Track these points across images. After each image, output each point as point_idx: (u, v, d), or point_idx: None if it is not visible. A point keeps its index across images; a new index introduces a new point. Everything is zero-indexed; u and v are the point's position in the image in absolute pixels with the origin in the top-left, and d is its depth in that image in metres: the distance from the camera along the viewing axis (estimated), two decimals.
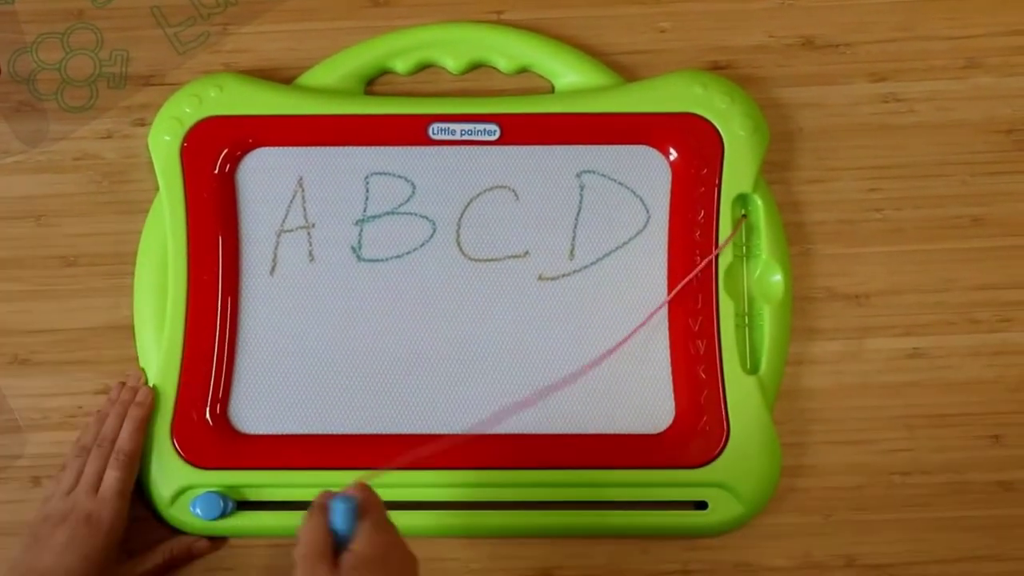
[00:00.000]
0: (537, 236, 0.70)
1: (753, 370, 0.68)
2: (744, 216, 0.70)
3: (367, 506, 0.56)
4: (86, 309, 0.71)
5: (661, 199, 0.70)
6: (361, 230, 0.71)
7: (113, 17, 0.75)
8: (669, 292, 0.69)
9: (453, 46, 0.73)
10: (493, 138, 0.71)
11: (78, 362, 0.71)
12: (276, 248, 0.70)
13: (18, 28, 0.74)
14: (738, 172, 0.69)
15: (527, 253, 0.70)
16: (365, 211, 0.71)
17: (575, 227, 0.70)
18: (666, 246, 0.70)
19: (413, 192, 0.71)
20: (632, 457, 0.67)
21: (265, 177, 0.71)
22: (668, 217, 0.70)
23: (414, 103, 0.72)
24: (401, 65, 0.73)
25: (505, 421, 0.64)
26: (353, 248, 0.70)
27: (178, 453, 0.67)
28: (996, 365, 0.71)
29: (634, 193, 0.71)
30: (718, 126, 0.70)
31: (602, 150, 0.71)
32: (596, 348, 0.68)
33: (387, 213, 0.71)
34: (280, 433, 0.68)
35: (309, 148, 0.71)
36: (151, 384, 0.68)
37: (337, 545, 0.54)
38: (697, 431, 0.67)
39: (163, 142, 0.70)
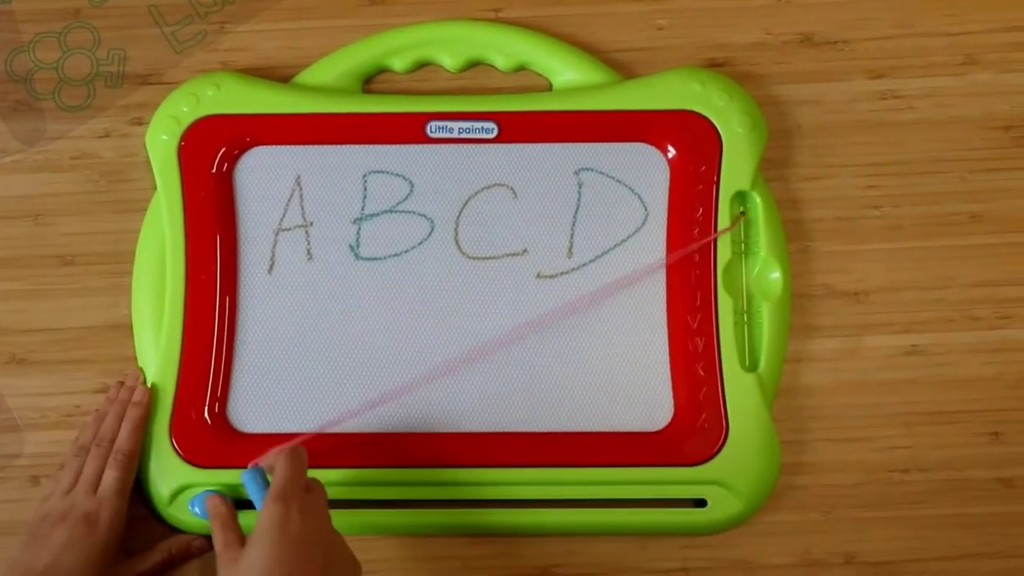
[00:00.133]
0: (535, 234, 0.70)
1: (752, 367, 0.68)
2: (742, 213, 0.70)
3: (278, 476, 0.59)
4: (84, 308, 0.71)
5: (659, 197, 0.70)
6: (359, 228, 0.70)
7: (110, 16, 0.75)
8: (668, 290, 0.69)
9: (451, 44, 0.72)
10: (491, 136, 0.71)
11: (76, 361, 0.71)
12: (274, 247, 0.70)
13: (15, 27, 0.74)
14: (736, 169, 0.69)
15: (525, 251, 0.70)
16: (363, 209, 0.71)
17: (573, 225, 0.70)
18: (664, 243, 0.70)
19: (411, 190, 0.71)
20: (631, 455, 0.67)
21: (263, 176, 0.71)
22: (666, 215, 0.70)
23: (412, 101, 0.72)
24: (399, 63, 0.73)
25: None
26: (351, 246, 0.70)
27: (176, 452, 0.67)
28: (995, 362, 0.71)
29: (632, 191, 0.71)
30: (716, 123, 0.70)
31: (600, 148, 0.70)
32: (594, 345, 0.69)
33: (385, 211, 0.71)
34: (278, 432, 0.67)
35: (307, 147, 0.71)
36: (150, 383, 0.68)
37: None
38: (696, 429, 0.67)
39: (160, 141, 0.70)
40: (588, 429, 0.68)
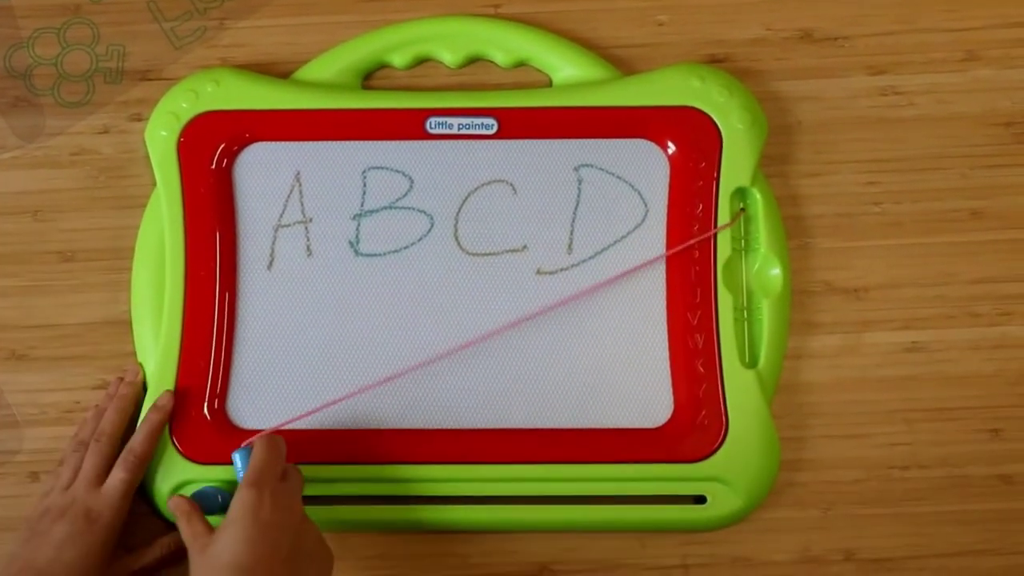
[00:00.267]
0: (535, 230, 0.70)
1: (752, 364, 0.68)
2: (742, 209, 0.70)
3: (252, 463, 0.60)
4: (83, 304, 0.71)
5: (659, 193, 0.70)
6: (359, 224, 0.70)
7: (109, 12, 0.74)
8: (668, 286, 0.69)
9: (450, 40, 0.72)
10: (491, 132, 0.70)
11: (75, 357, 0.71)
12: (273, 243, 0.70)
13: (14, 23, 0.74)
14: (736, 166, 0.69)
15: (525, 247, 0.70)
16: (363, 205, 0.71)
17: (573, 221, 0.70)
18: (664, 240, 0.70)
19: (411, 186, 0.71)
20: (630, 451, 0.67)
21: (262, 172, 0.71)
22: (666, 211, 0.70)
23: (411, 97, 0.71)
24: (398, 59, 0.73)
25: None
26: (351, 243, 0.70)
27: (176, 448, 0.67)
28: (996, 359, 0.70)
29: (632, 187, 0.70)
30: (716, 119, 0.69)
31: (600, 144, 0.70)
32: (594, 342, 0.68)
33: (385, 207, 0.71)
34: (278, 428, 0.67)
35: (306, 143, 0.71)
36: (149, 379, 0.68)
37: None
38: (696, 425, 0.67)
39: (160, 137, 0.70)
40: (588, 425, 0.68)
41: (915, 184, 0.72)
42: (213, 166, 0.70)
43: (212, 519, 0.66)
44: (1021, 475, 0.69)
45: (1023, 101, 0.73)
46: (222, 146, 0.70)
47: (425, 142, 0.71)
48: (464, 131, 0.70)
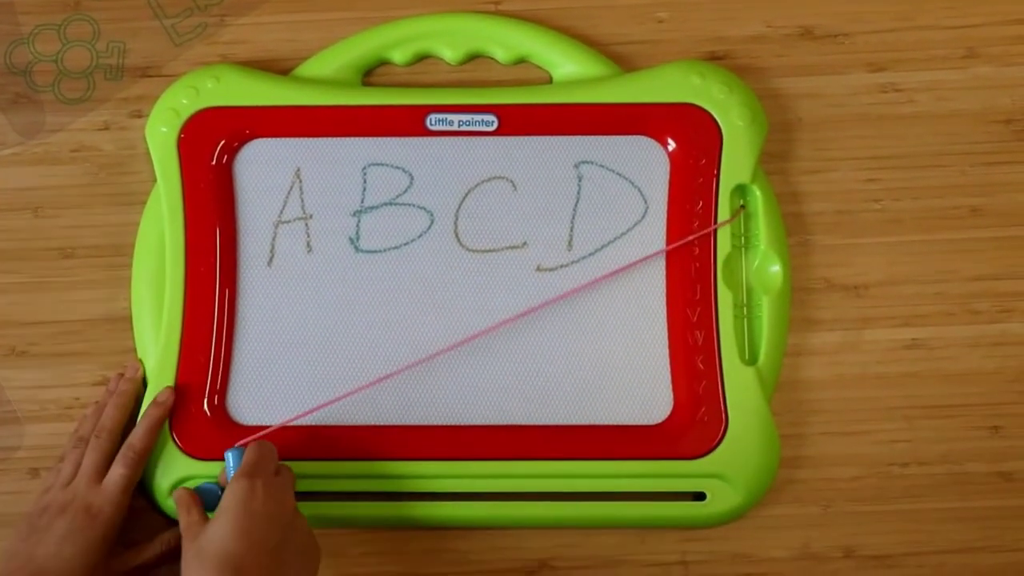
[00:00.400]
0: (535, 227, 0.70)
1: (752, 361, 0.68)
2: (742, 206, 0.70)
3: (246, 457, 0.61)
4: (83, 301, 0.71)
5: (659, 190, 0.70)
6: (359, 221, 0.70)
7: (110, 8, 0.74)
8: (668, 283, 0.69)
9: (450, 37, 0.72)
10: (491, 129, 0.70)
11: (76, 354, 0.71)
12: (274, 239, 0.70)
13: (15, 19, 0.74)
14: (736, 162, 0.69)
15: (525, 244, 0.70)
16: (363, 202, 0.71)
17: (573, 218, 0.70)
18: (664, 237, 0.70)
19: (411, 183, 0.71)
20: (630, 448, 0.67)
21: (262, 168, 0.71)
22: (666, 208, 0.70)
23: (411, 94, 0.71)
24: (398, 56, 0.73)
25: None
26: (351, 239, 0.70)
27: (176, 444, 0.67)
28: (995, 356, 0.70)
29: (632, 184, 0.70)
30: (716, 116, 0.69)
31: (600, 140, 0.70)
32: (594, 338, 0.69)
33: (385, 204, 0.71)
34: (278, 424, 0.67)
35: (306, 139, 0.71)
36: (149, 376, 0.68)
37: None
38: (695, 422, 0.67)
39: (160, 134, 0.70)
40: (587, 422, 0.68)
41: (915, 181, 0.72)
42: (213, 162, 0.70)
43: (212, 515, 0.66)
44: (1020, 472, 0.69)
45: (1023, 98, 0.72)
46: (222, 142, 0.70)
47: (425, 139, 0.71)
48: (464, 128, 0.70)
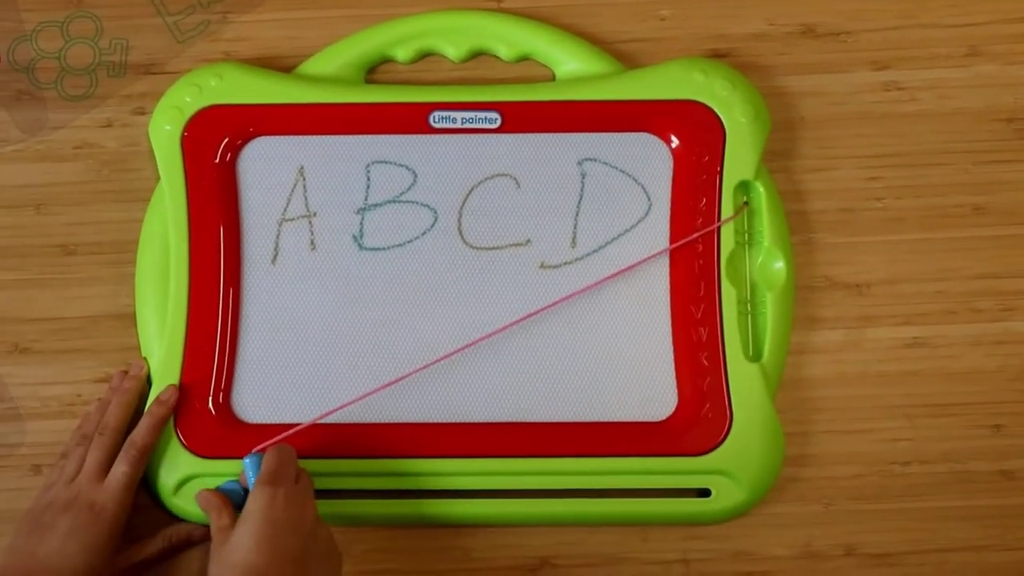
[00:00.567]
0: (539, 224, 0.70)
1: (755, 358, 0.68)
2: (746, 203, 0.70)
3: (267, 464, 0.61)
4: (86, 298, 0.71)
5: (663, 187, 0.70)
6: (362, 219, 0.70)
7: (113, 5, 0.74)
8: (672, 280, 0.69)
9: (454, 34, 0.72)
10: (494, 126, 0.71)
11: (78, 351, 0.71)
12: (277, 237, 0.70)
13: (18, 16, 0.74)
14: (740, 159, 0.69)
15: (529, 241, 0.70)
16: (366, 200, 0.71)
17: (576, 215, 0.70)
18: (668, 234, 0.70)
19: (414, 180, 0.71)
20: (634, 445, 0.67)
21: (266, 166, 0.71)
22: (670, 205, 0.70)
23: (415, 91, 0.71)
24: (402, 53, 0.73)
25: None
26: (355, 237, 0.70)
27: (181, 442, 0.67)
28: (997, 354, 0.71)
29: (635, 181, 0.70)
30: (719, 113, 0.69)
31: (603, 138, 0.70)
32: (598, 335, 0.69)
33: (388, 202, 0.71)
34: (283, 422, 0.67)
35: (310, 137, 0.71)
36: (153, 374, 0.68)
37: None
38: (700, 419, 0.67)
39: (163, 131, 0.70)
40: (591, 419, 0.68)
41: (917, 179, 0.72)
42: (217, 160, 0.70)
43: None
44: (1022, 471, 0.69)
45: None
46: (226, 140, 0.70)
47: (428, 136, 0.71)
48: (467, 125, 0.70)
